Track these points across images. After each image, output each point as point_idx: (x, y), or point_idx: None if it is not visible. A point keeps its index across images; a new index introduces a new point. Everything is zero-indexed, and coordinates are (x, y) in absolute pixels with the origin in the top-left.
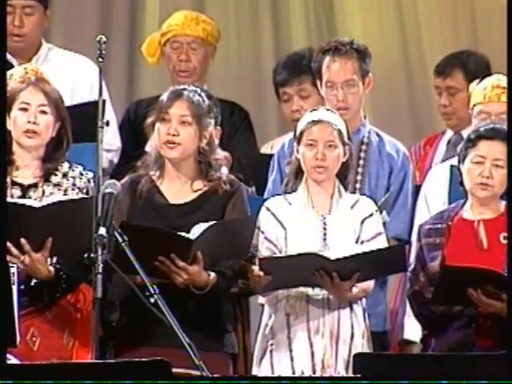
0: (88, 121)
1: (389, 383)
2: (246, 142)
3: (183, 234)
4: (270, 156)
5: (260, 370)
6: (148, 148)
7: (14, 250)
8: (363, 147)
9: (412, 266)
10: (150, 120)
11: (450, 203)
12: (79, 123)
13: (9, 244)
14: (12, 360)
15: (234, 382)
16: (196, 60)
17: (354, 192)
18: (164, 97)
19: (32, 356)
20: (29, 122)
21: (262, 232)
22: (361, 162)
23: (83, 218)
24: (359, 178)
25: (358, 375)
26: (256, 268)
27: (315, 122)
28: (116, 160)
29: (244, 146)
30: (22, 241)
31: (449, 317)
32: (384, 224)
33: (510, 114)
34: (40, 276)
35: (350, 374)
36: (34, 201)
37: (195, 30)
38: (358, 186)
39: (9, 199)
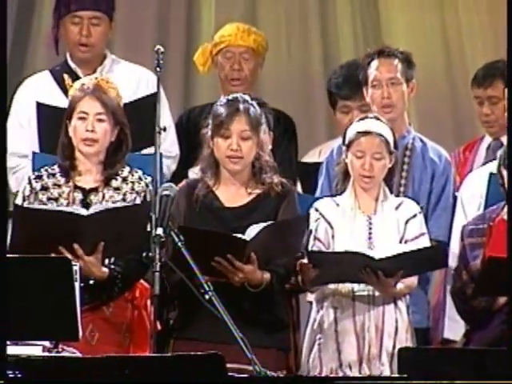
0: (147, 125)
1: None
2: (288, 152)
3: (239, 235)
4: (310, 164)
5: (309, 362)
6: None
7: (67, 255)
8: (407, 153)
9: (454, 265)
10: (206, 131)
11: (486, 207)
12: (138, 126)
13: (62, 249)
14: (73, 353)
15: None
16: (247, 69)
17: (398, 195)
18: (221, 111)
19: (91, 350)
20: (87, 130)
21: (311, 231)
22: (405, 166)
23: (135, 222)
24: (403, 181)
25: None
26: (305, 261)
27: (364, 134)
28: (174, 167)
29: (286, 155)
30: (75, 246)
31: (489, 313)
32: None
33: (510, 113)
34: (95, 277)
35: (395, 368)
36: (82, 209)
37: (247, 41)
38: (401, 189)
39: (57, 207)
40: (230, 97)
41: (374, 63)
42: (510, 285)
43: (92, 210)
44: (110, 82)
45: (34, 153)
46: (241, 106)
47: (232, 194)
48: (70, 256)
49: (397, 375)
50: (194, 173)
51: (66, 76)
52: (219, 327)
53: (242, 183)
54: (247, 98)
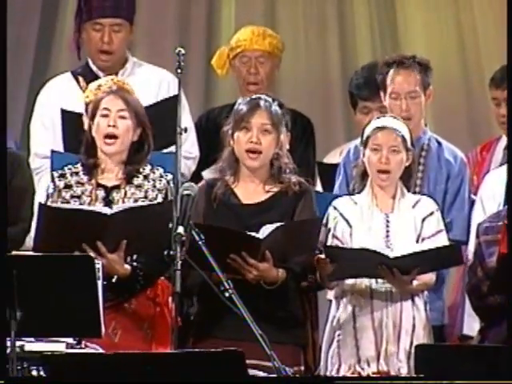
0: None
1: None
2: (306, 152)
3: (253, 233)
4: (331, 165)
5: (328, 358)
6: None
7: (91, 252)
8: (423, 153)
9: (470, 262)
10: (227, 128)
11: (505, 205)
12: (158, 127)
13: (85, 246)
14: (96, 349)
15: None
16: (264, 72)
17: (417, 194)
18: (242, 107)
19: (113, 347)
20: (109, 125)
21: (329, 229)
22: (420, 167)
23: (157, 220)
24: (419, 182)
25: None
26: (322, 256)
27: (381, 128)
28: (194, 168)
29: (304, 156)
30: (98, 243)
31: (505, 309)
32: None
33: (510, 113)
34: (117, 274)
35: (412, 364)
36: (105, 208)
37: (262, 45)
38: (417, 189)
39: (80, 206)
40: (253, 96)
41: (393, 74)
42: (509, 284)
43: (115, 209)
44: (126, 84)
45: (52, 151)
46: (262, 103)
47: (250, 191)
48: (93, 254)
49: (402, 375)
50: (209, 173)
51: (80, 78)
52: (237, 324)
53: (260, 181)
54: (269, 98)
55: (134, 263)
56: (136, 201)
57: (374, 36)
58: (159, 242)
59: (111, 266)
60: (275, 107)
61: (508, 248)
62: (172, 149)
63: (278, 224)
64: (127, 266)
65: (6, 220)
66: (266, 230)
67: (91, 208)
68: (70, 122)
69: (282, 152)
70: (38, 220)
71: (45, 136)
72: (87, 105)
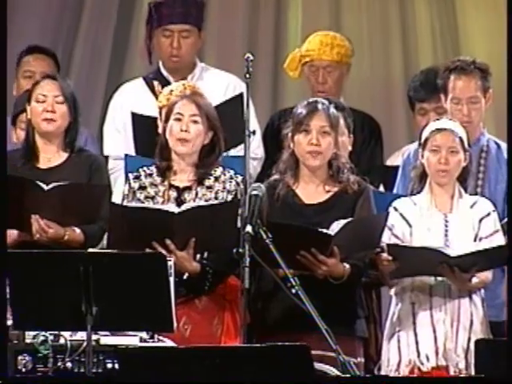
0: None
1: None
2: (375, 153)
3: (324, 230)
4: (392, 167)
5: (388, 353)
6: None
7: (160, 250)
8: (483, 155)
9: None
10: (287, 132)
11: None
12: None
13: (155, 244)
14: (169, 343)
15: None
16: (331, 80)
17: (475, 195)
18: (301, 110)
19: (184, 342)
20: (181, 130)
21: (390, 229)
22: (481, 168)
23: (223, 219)
24: (480, 182)
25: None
26: (385, 254)
27: (439, 130)
28: (259, 168)
29: (372, 157)
30: (167, 241)
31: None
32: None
33: (510, 113)
34: (187, 271)
35: (470, 359)
36: (173, 206)
37: (330, 55)
38: (478, 190)
39: (150, 205)
40: (310, 100)
41: (454, 79)
42: (509, 284)
43: (183, 208)
44: (197, 88)
45: (126, 155)
46: (319, 106)
47: (311, 192)
48: (163, 251)
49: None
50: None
51: (155, 83)
52: (302, 317)
53: (320, 181)
54: (325, 101)
55: (204, 261)
56: (206, 201)
57: (436, 41)
58: (227, 241)
59: (181, 263)
60: (332, 110)
61: (508, 248)
62: (238, 150)
63: (347, 220)
64: (196, 264)
65: (6, 220)
66: (335, 226)
67: (159, 206)
68: (140, 124)
69: (340, 152)
70: (110, 218)
71: (117, 138)
72: (161, 109)
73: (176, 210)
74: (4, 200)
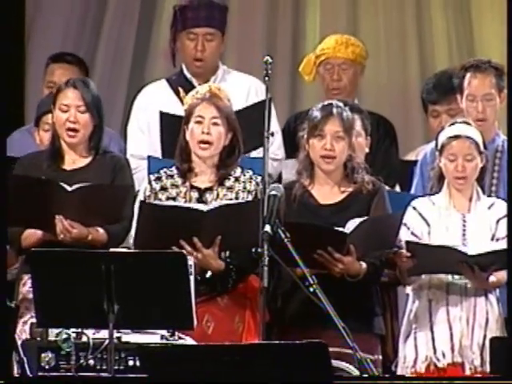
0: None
1: None
2: (390, 154)
3: (340, 228)
4: (411, 162)
5: (405, 350)
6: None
7: (188, 248)
8: (498, 155)
9: None
10: (302, 135)
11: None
12: (247, 131)
13: (182, 242)
14: (189, 341)
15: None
16: (346, 78)
17: (489, 195)
18: (316, 114)
19: (207, 339)
20: (203, 132)
21: (409, 228)
22: (496, 167)
23: (248, 218)
24: (495, 182)
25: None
26: (404, 251)
27: (454, 138)
28: (280, 169)
29: (387, 158)
30: (195, 239)
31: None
32: None
33: (510, 113)
34: (212, 269)
35: (485, 356)
36: (201, 205)
37: (345, 53)
38: (493, 189)
39: (181, 204)
40: (325, 102)
41: (470, 77)
42: (509, 284)
43: (211, 206)
44: (222, 90)
45: (148, 157)
46: (334, 110)
47: (326, 193)
48: (189, 249)
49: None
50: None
51: (181, 89)
52: (320, 315)
53: (335, 182)
54: (340, 104)
55: (228, 259)
56: (227, 201)
57: (451, 44)
58: (252, 239)
59: (206, 260)
60: (346, 113)
61: (508, 246)
62: (259, 152)
63: (363, 218)
64: (221, 262)
65: (6, 220)
66: (351, 225)
67: (189, 205)
68: (169, 123)
69: (355, 154)
70: (138, 217)
71: (141, 138)
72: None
73: (205, 208)
74: (4, 200)
